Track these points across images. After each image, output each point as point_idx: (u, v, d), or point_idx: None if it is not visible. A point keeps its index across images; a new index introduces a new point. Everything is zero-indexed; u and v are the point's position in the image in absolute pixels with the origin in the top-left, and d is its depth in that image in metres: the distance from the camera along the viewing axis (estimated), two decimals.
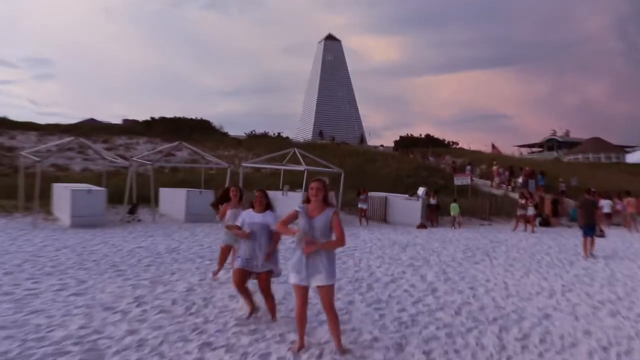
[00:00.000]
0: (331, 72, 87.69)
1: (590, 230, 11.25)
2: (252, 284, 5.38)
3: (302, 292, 4.32)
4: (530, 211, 17.50)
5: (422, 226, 17.37)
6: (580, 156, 57.13)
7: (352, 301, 6.31)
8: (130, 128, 37.60)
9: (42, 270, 7.53)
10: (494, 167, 27.07)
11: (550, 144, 67.71)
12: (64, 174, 21.31)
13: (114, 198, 15.34)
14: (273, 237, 5.09)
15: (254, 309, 5.32)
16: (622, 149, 60.81)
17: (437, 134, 64.26)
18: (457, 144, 54.41)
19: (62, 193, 14.14)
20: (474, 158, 33.98)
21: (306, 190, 4.46)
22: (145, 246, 10.28)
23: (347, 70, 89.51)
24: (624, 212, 19.70)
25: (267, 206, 5.21)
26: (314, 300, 5.35)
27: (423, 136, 56.71)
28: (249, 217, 5.15)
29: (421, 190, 19.13)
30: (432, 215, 18.74)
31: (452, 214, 18.20)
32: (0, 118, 33.35)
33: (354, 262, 9.35)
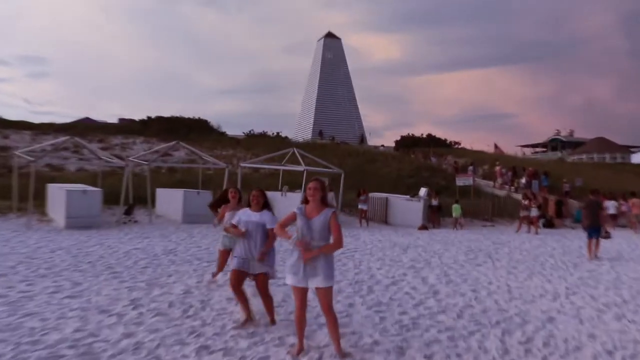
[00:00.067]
0: (331, 70, 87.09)
1: (595, 231, 11.15)
2: (251, 287, 5.28)
3: (301, 293, 4.25)
4: (534, 212, 17.41)
5: (423, 227, 17.28)
6: (584, 156, 57.06)
7: (352, 304, 6.23)
8: (127, 127, 37.62)
9: (37, 272, 7.44)
10: (497, 168, 27.00)
11: (554, 144, 67.65)
12: (58, 174, 21.21)
13: (110, 199, 15.26)
14: (269, 236, 4.98)
15: (248, 318, 5.14)
16: (628, 149, 60.79)
17: (438, 133, 64.43)
18: (459, 143, 54.54)
19: (56, 193, 14.03)
20: (476, 158, 33.94)
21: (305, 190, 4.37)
22: (141, 248, 10.19)
23: (347, 68, 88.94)
24: (629, 213, 19.60)
25: (265, 205, 5.12)
26: (314, 303, 5.28)
27: (424, 136, 56.80)
28: (245, 215, 5.07)
29: (422, 191, 19.04)
30: (434, 217, 18.65)
31: (454, 215, 18.11)
32: None
33: (354, 264, 9.26)
